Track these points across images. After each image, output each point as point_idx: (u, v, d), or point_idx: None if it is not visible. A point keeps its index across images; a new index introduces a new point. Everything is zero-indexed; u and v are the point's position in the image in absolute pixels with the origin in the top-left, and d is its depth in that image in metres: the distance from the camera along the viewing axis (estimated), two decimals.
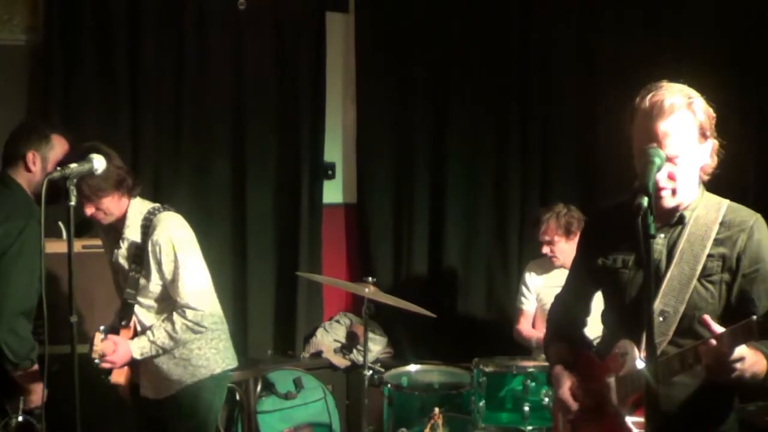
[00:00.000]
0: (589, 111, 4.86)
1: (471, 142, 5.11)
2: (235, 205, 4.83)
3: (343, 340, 4.96)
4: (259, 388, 4.44)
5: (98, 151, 2.96)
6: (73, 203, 2.63)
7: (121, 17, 4.44)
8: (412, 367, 4.17)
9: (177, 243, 3.11)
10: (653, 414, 1.96)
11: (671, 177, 2.11)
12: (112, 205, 3.09)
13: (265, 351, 4.93)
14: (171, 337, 3.09)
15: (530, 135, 5.08)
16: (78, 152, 2.95)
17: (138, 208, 3.17)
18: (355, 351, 4.85)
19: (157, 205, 3.22)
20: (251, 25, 4.78)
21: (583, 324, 2.57)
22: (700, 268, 2.12)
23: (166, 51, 4.58)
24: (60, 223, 3.90)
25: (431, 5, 5.07)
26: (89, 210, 3.06)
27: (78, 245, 3.76)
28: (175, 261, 3.09)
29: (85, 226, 4.05)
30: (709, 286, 2.12)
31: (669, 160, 2.08)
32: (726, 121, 2.24)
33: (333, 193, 5.24)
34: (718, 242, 2.13)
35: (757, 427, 3.49)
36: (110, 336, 3.10)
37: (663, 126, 2.08)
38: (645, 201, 1.85)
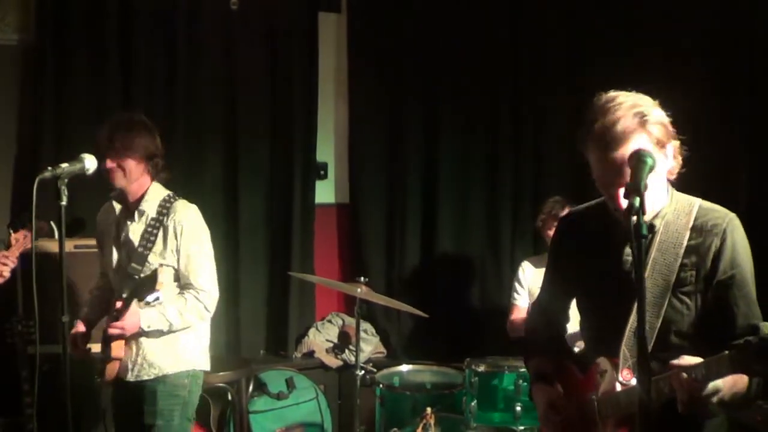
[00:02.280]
0: (580, 113, 4.86)
1: (463, 142, 5.13)
2: (227, 205, 4.82)
3: (336, 340, 4.96)
4: (251, 388, 4.43)
5: (145, 125, 3.12)
6: (64, 203, 2.62)
7: (113, 17, 4.43)
8: (404, 367, 4.18)
9: (201, 230, 3.20)
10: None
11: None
12: (134, 170, 3.10)
13: (258, 351, 4.92)
14: (180, 314, 3.08)
15: (522, 135, 5.10)
16: (124, 122, 3.08)
17: (159, 189, 3.21)
18: (347, 351, 4.85)
19: (173, 193, 3.25)
20: (244, 25, 4.78)
21: (563, 331, 2.50)
22: (674, 279, 2.04)
23: (158, 51, 4.57)
24: (52, 223, 3.89)
25: (423, 6, 5.07)
26: (110, 164, 3.04)
27: (69, 245, 3.76)
28: (198, 245, 3.15)
29: (76, 226, 4.05)
30: (684, 298, 2.06)
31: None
32: (717, 128, 2.20)
33: (325, 193, 5.23)
34: (690, 249, 2.05)
35: (749, 427, 3.49)
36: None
37: (619, 155, 1.98)
38: (637, 201, 1.78)
